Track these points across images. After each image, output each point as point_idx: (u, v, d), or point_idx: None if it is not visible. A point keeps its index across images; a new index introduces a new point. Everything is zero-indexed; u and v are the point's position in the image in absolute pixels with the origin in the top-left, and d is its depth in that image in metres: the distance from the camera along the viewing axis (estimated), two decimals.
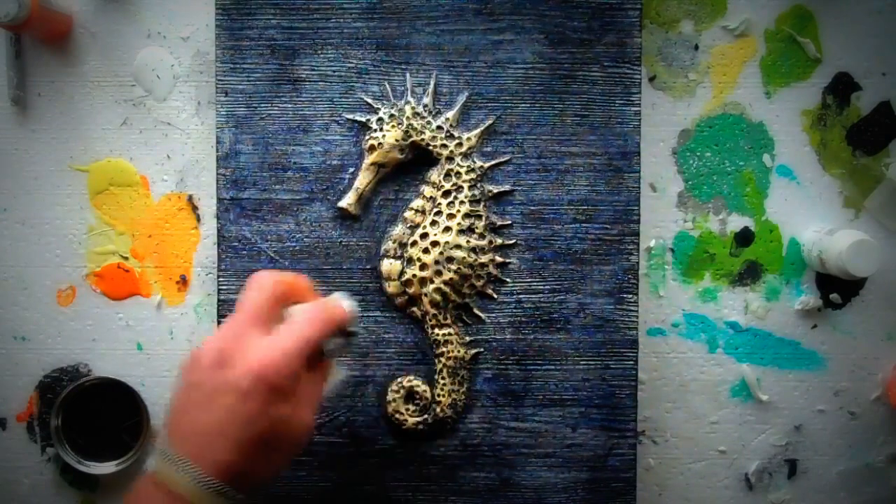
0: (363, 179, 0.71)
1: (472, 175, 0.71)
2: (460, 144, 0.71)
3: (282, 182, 0.72)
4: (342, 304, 0.63)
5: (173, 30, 0.76)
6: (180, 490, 0.54)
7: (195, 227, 0.77)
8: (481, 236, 0.72)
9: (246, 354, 0.56)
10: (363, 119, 0.72)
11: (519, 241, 0.72)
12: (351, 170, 0.72)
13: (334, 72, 0.72)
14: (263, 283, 0.60)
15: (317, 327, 0.59)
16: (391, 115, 0.71)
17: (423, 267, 0.71)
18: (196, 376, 0.57)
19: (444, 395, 0.71)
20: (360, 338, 0.70)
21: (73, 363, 0.77)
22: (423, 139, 0.71)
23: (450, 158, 0.71)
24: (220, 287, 0.72)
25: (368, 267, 0.72)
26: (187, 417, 0.56)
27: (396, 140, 0.71)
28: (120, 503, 0.77)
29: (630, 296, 0.72)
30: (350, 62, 0.72)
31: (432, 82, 0.72)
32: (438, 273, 0.71)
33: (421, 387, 0.72)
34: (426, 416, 0.72)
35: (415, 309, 0.72)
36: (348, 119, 0.72)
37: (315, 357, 0.59)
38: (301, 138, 0.72)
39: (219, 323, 0.72)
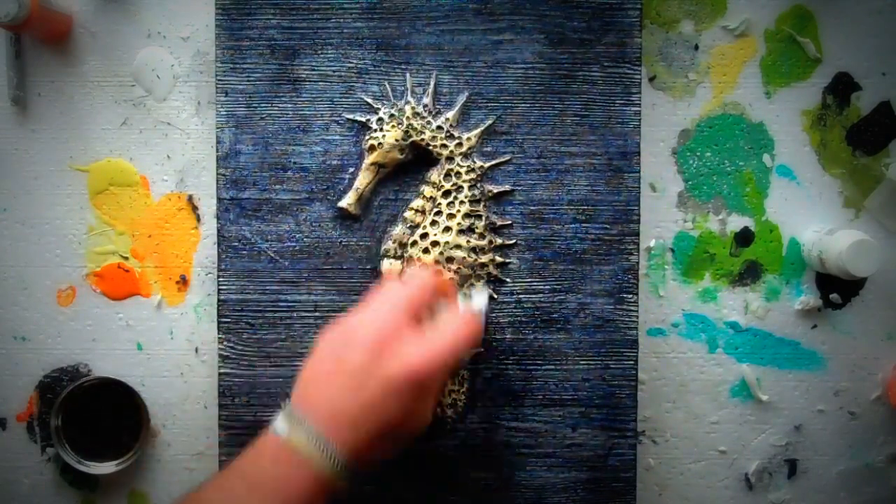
0: (363, 179, 0.71)
1: (472, 175, 0.71)
2: (460, 144, 0.71)
3: (282, 182, 0.72)
4: (481, 304, 0.67)
5: (173, 30, 0.76)
6: (312, 462, 0.57)
7: (195, 227, 0.77)
8: (481, 236, 0.72)
9: (403, 349, 0.59)
10: (363, 119, 0.72)
11: (519, 241, 0.72)
12: (351, 170, 0.72)
13: (334, 72, 0.72)
14: (425, 281, 0.63)
15: (467, 341, 0.61)
16: (391, 115, 0.71)
17: (424, 267, 0.71)
18: (348, 356, 0.59)
19: (444, 395, 0.71)
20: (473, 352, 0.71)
21: (73, 363, 0.77)
22: (423, 139, 0.71)
23: (450, 158, 0.71)
24: (220, 287, 0.72)
25: (368, 267, 0.72)
26: (330, 393, 0.58)
27: (396, 140, 0.71)
28: (120, 503, 0.77)
29: (630, 296, 0.72)
30: (350, 62, 0.72)
31: (432, 82, 0.72)
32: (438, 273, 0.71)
33: None
34: None
35: None
36: (348, 119, 0.72)
37: None
38: (301, 138, 0.72)
39: (219, 324, 0.72)
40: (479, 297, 0.69)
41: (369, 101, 0.72)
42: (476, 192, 0.72)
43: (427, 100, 0.72)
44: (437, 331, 0.61)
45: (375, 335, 0.59)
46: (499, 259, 0.72)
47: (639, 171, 0.72)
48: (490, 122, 0.72)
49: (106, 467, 0.75)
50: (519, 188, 0.72)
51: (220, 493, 0.58)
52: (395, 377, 0.58)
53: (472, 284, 0.70)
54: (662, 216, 0.77)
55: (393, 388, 0.58)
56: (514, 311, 0.72)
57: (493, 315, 0.72)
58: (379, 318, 0.60)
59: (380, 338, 0.59)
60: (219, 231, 0.72)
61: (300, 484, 0.57)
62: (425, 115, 0.71)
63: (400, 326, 0.60)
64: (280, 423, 0.59)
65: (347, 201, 0.72)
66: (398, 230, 0.72)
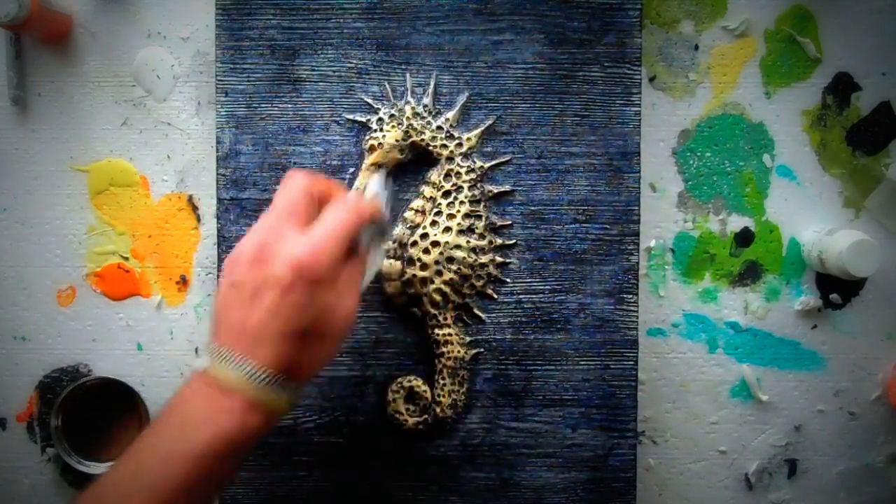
0: (363, 179, 0.71)
1: (472, 175, 0.71)
2: (460, 144, 0.71)
3: None
4: (371, 193, 0.65)
5: (173, 30, 0.76)
6: (233, 384, 0.55)
7: (195, 227, 0.77)
8: (481, 236, 0.72)
9: (285, 248, 0.56)
10: (363, 119, 0.72)
11: (519, 241, 0.72)
12: (351, 170, 0.72)
13: (334, 72, 0.72)
14: (297, 181, 0.60)
15: (351, 218, 0.59)
16: (391, 116, 0.71)
17: (424, 267, 0.71)
18: (237, 275, 0.57)
19: (444, 395, 0.71)
20: (388, 232, 0.68)
21: (73, 363, 0.77)
22: (423, 139, 0.71)
23: (450, 158, 0.71)
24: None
25: None
26: (232, 316, 0.57)
27: (396, 140, 0.71)
28: None
29: (630, 296, 0.72)
30: (350, 62, 0.72)
31: (432, 82, 0.72)
32: (439, 273, 0.71)
33: (421, 387, 0.72)
34: (426, 416, 0.72)
35: (415, 309, 0.72)
36: (348, 119, 0.72)
37: (352, 248, 0.60)
38: (301, 138, 0.72)
39: None
40: (372, 183, 0.67)
41: (369, 101, 0.72)
42: (476, 192, 0.71)
43: (427, 100, 0.72)
44: (318, 222, 0.58)
45: (255, 246, 0.57)
46: (499, 259, 0.72)
47: (639, 171, 0.72)
48: (490, 122, 0.72)
49: (106, 467, 0.75)
50: (519, 188, 0.72)
51: (149, 442, 0.56)
52: (283, 274, 0.55)
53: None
54: (662, 216, 0.77)
55: (285, 286, 0.55)
56: (514, 311, 0.72)
57: (493, 315, 0.72)
58: (257, 231, 0.58)
59: (260, 246, 0.57)
60: (219, 231, 0.72)
61: (230, 411, 0.55)
62: (425, 115, 0.71)
63: (279, 231, 0.57)
64: (199, 362, 0.57)
65: None
66: (398, 230, 0.72)
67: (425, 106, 0.72)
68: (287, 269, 0.56)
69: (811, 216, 0.77)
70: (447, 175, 0.71)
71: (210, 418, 0.55)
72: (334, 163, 0.72)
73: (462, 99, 0.72)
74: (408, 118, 0.71)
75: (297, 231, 0.57)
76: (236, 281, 0.57)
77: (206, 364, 0.56)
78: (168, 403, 0.57)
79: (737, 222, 0.77)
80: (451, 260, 0.71)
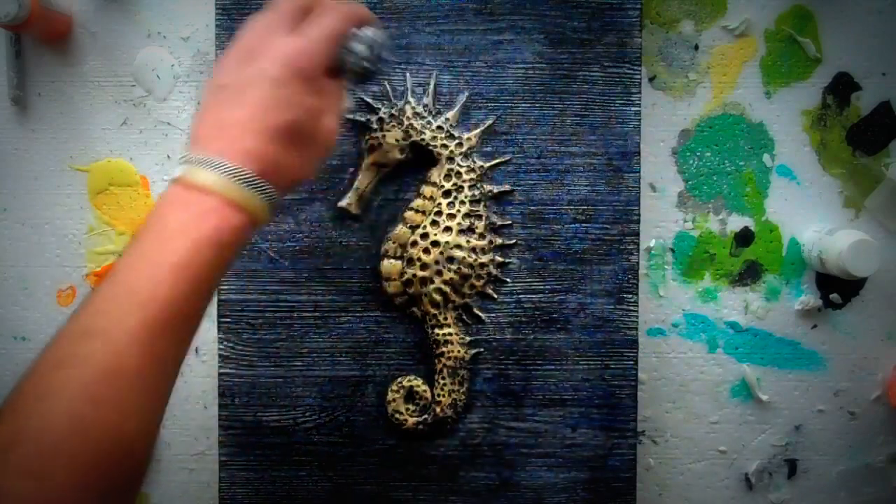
0: (363, 179, 0.71)
1: (473, 175, 0.71)
2: (460, 144, 0.71)
3: None
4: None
5: (173, 30, 0.76)
6: (211, 185, 0.51)
7: None
8: (481, 236, 0.72)
9: (275, 45, 0.55)
10: (363, 119, 0.72)
11: (519, 241, 0.72)
12: (351, 170, 0.72)
13: None
14: None
15: (341, 19, 0.57)
16: (391, 115, 0.71)
17: (424, 267, 0.71)
18: (224, 77, 0.55)
19: (444, 395, 0.71)
20: (387, 66, 0.62)
21: None
22: (423, 139, 0.71)
23: (450, 158, 0.71)
24: (220, 287, 0.72)
25: (368, 267, 0.72)
26: (215, 117, 0.54)
27: (396, 140, 0.71)
28: None
29: (630, 296, 0.72)
30: None
31: (432, 82, 0.72)
32: (439, 273, 0.71)
33: (421, 387, 0.72)
34: (426, 416, 0.72)
35: (415, 309, 0.72)
36: (348, 119, 0.72)
37: (337, 66, 0.58)
38: None
39: (219, 324, 0.72)
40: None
41: (369, 101, 0.72)
42: (476, 192, 0.71)
43: (427, 100, 0.72)
44: (308, 24, 0.56)
45: (243, 45, 0.55)
46: (499, 259, 0.72)
47: (639, 171, 0.72)
48: (490, 122, 0.72)
49: None
50: (519, 188, 0.72)
51: (131, 261, 0.50)
52: (271, 68, 0.53)
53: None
54: (662, 216, 0.77)
55: (275, 80, 0.53)
56: (514, 311, 0.72)
57: (493, 315, 0.72)
58: (246, 33, 0.56)
59: (248, 45, 0.55)
60: None
61: (209, 213, 0.51)
62: (425, 115, 0.71)
63: (268, 33, 0.55)
64: (175, 172, 0.53)
65: (347, 201, 0.72)
66: (398, 230, 0.72)
67: (425, 106, 0.72)
68: (278, 64, 0.54)
69: (811, 216, 0.77)
70: (447, 175, 0.71)
71: (190, 224, 0.51)
72: (334, 163, 0.72)
73: (462, 99, 0.72)
74: (408, 118, 0.71)
75: (286, 33, 0.55)
76: (222, 83, 0.55)
77: (183, 171, 0.52)
78: (146, 218, 0.53)
79: (737, 222, 0.77)
80: (451, 260, 0.71)
